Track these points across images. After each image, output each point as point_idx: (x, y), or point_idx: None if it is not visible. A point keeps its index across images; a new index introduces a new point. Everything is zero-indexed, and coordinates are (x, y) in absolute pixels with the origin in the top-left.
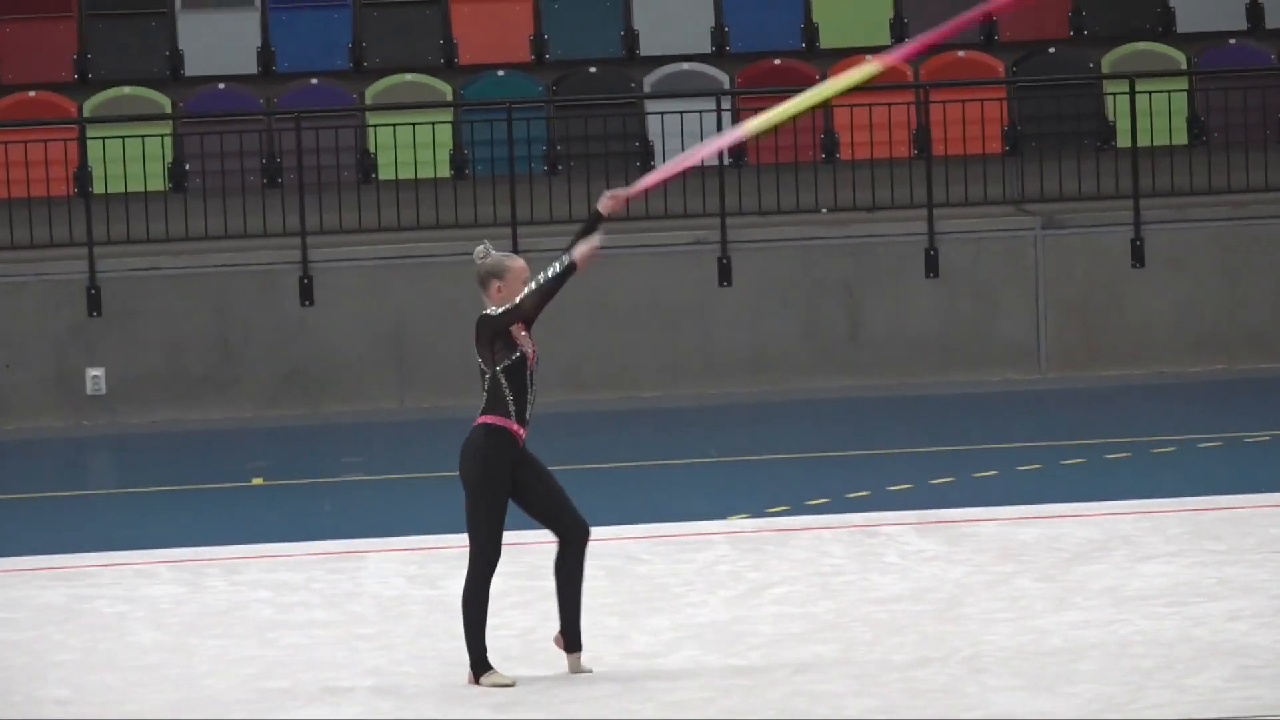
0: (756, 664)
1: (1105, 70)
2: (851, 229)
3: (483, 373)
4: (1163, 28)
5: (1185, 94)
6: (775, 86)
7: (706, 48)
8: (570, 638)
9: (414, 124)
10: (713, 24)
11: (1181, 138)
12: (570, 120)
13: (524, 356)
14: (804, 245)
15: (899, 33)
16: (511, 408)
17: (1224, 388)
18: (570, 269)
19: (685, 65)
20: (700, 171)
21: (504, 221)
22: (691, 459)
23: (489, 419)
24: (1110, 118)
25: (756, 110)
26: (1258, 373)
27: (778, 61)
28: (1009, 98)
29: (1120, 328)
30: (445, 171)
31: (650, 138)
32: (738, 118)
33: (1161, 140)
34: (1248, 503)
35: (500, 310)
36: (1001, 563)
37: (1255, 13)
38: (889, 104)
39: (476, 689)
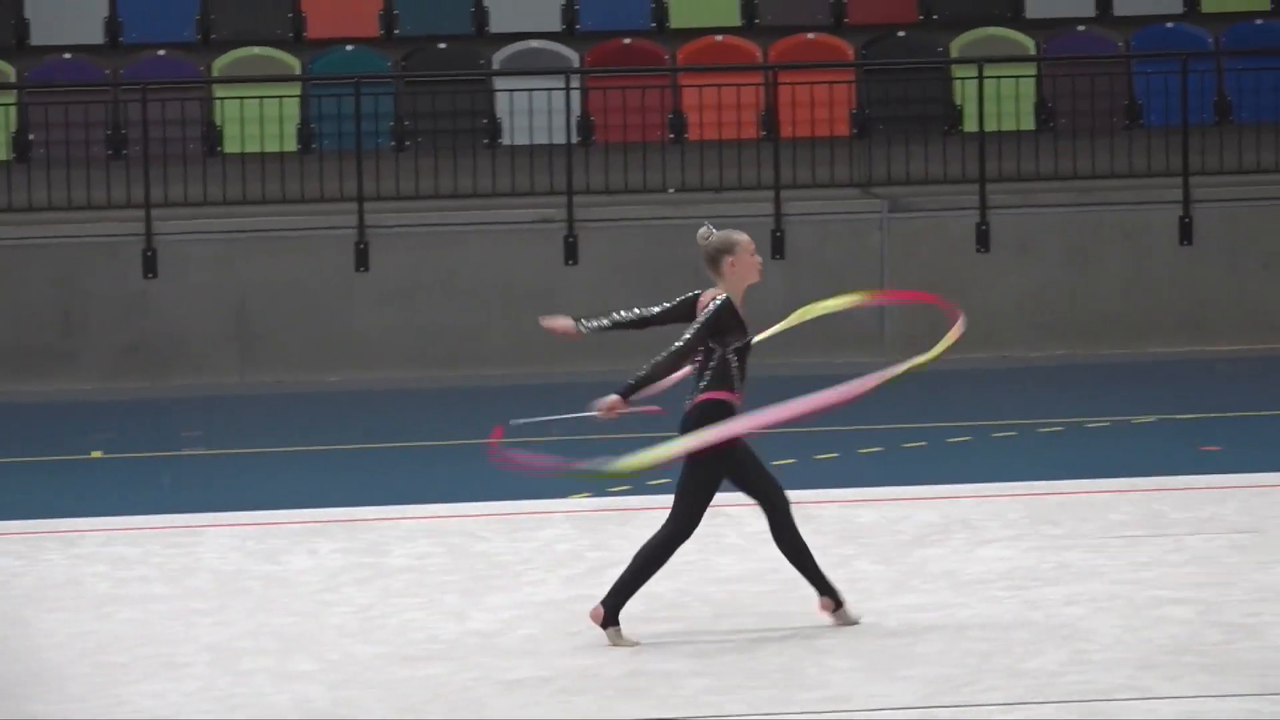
0: (595, 643)
1: (953, 55)
2: (698, 209)
3: (710, 352)
4: (1011, 13)
5: (1033, 80)
6: (624, 66)
7: (556, 25)
8: (828, 595)
9: (261, 98)
10: (563, 2)
11: (1028, 123)
12: (418, 96)
13: (749, 341)
14: (650, 225)
15: (748, 14)
16: (737, 384)
17: (1067, 373)
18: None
19: (534, 43)
20: (547, 149)
21: (350, 197)
22: (534, 437)
23: (718, 394)
24: (958, 102)
25: (605, 90)
26: (1100, 358)
27: (627, 41)
28: (857, 80)
29: (965, 311)
30: (292, 146)
31: (499, 115)
32: (586, 97)
33: (1009, 125)
34: (1087, 488)
35: (728, 304)
36: (841, 545)
37: (1104, 0)
38: (737, 85)
39: (312, 665)
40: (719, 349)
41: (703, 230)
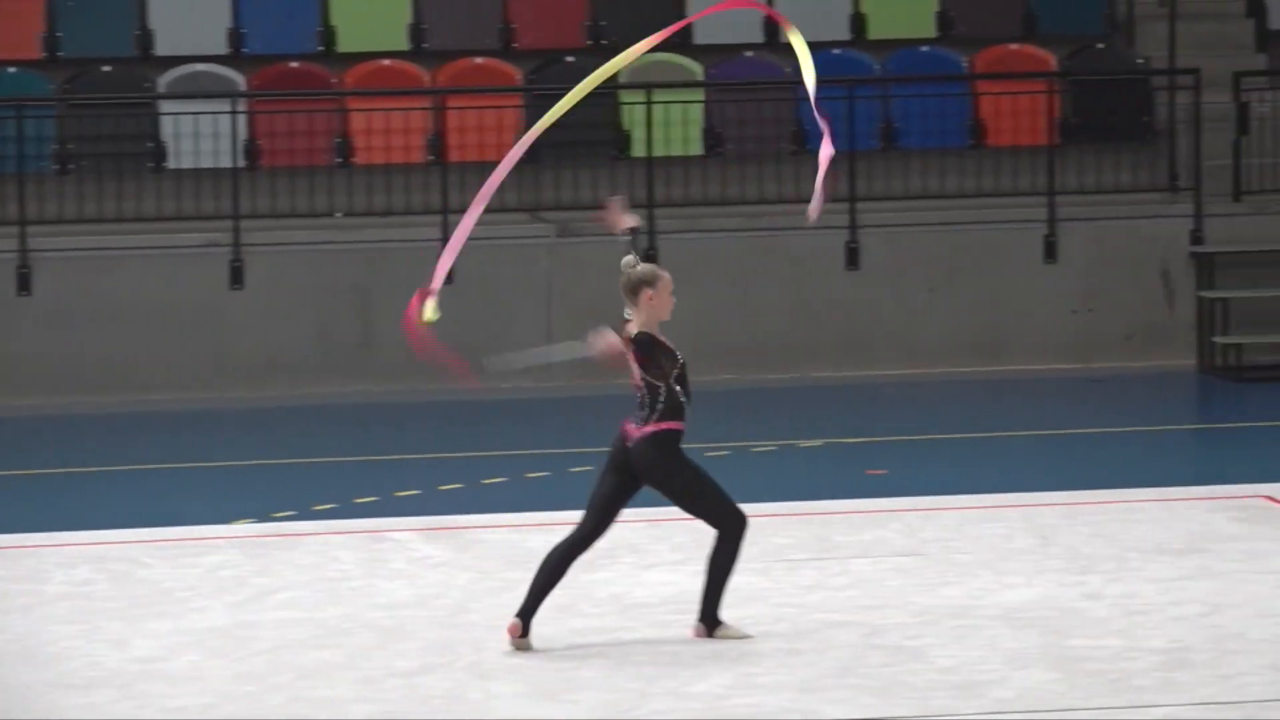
0: (259, 669)
1: (621, 80)
2: (366, 234)
3: (655, 388)
4: (679, 39)
5: (700, 105)
6: (291, 90)
7: (223, 49)
8: (708, 621)
9: None
10: (229, 25)
11: (696, 148)
12: (82, 120)
13: (684, 365)
14: (317, 249)
15: (416, 39)
16: (685, 409)
17: (733, 397)
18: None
19: (200, 66)
20: (213, 173)
21: (12, 220)
22: (199, 462)
23: (667, 425)
24: (626, 127)
25: (272, 114)
26: (766, 383)
27: (294, 64)
28: (525, 105)
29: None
30: None
31: (164, 138)
32: (253, 120)
33: (676, 150)
34: (753, 511)
35: (650, 337)
36: (509, 569)
37: (770, 27)
38: (405, 109)
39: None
40: (662, 384)
41: (629, 259)
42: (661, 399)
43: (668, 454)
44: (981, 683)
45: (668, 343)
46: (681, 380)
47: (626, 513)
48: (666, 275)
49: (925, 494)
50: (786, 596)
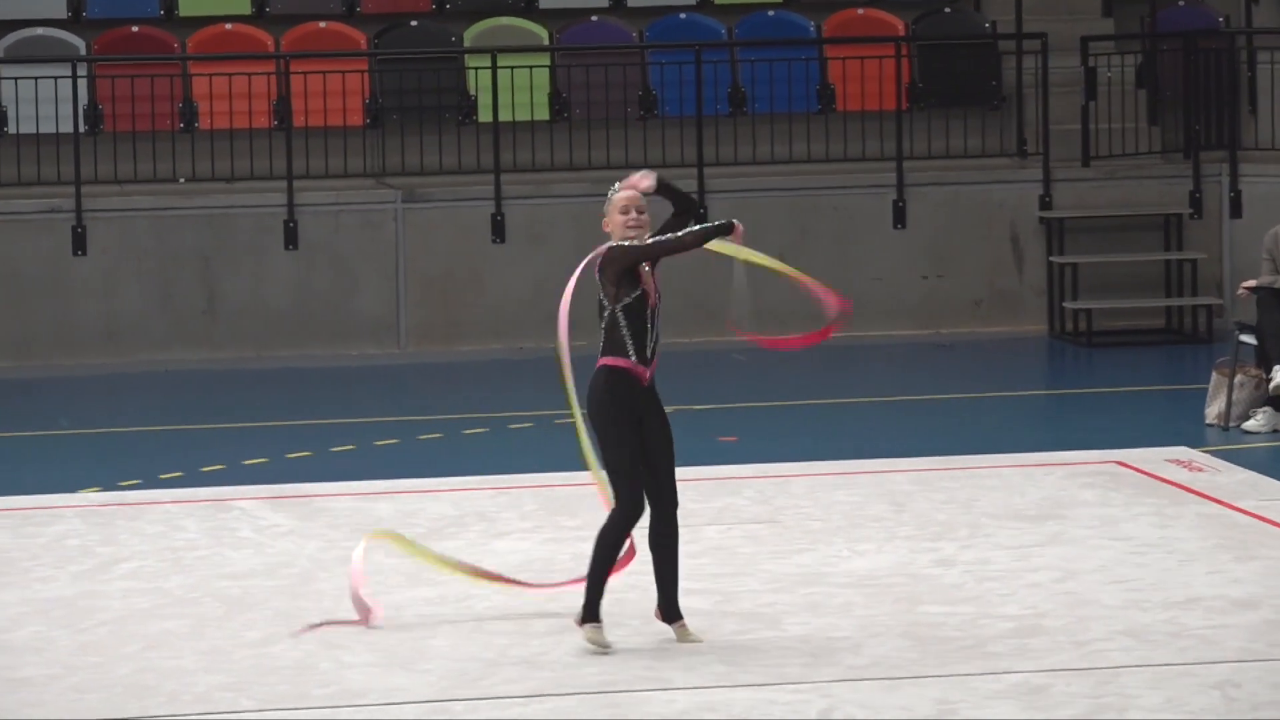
0: (105, 640)
1: (467, 44)
2: (210, 199)
3: (601, 309)
4: (525, 3)
5: (547, 70)
6: (132, 53)
7: (63, 13)
8: (669, 610)
9: None
10: None
11: (543, 113)
12: None
13: (644, 295)
14: (161, 215)
15: (259, 3)
16: (630, 346)
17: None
18: (726, 228)
19: (40, 30)
20: (54, 138)
21: None
22: (42, 430)
23: (609, 360)
24: (472, 92)
25: (114, 79)
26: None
27: (136, 29)
28: (370, 70)
29: (479, 303)
30: None
31: (3, 103)
32: (94, 85)
33: (523, 116)
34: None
35: (631, 244)
36: (355, 538)
37: None
38: (248, 74)
39: None
40: (609, 304)
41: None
42: (603, 324)
43: (603, 392)
44: (835, 650)
45: (645, 274)
46: (636, 317)
47: (476, 480)
48: (620, 196)
49: (777, 461)
50: (637, 564)
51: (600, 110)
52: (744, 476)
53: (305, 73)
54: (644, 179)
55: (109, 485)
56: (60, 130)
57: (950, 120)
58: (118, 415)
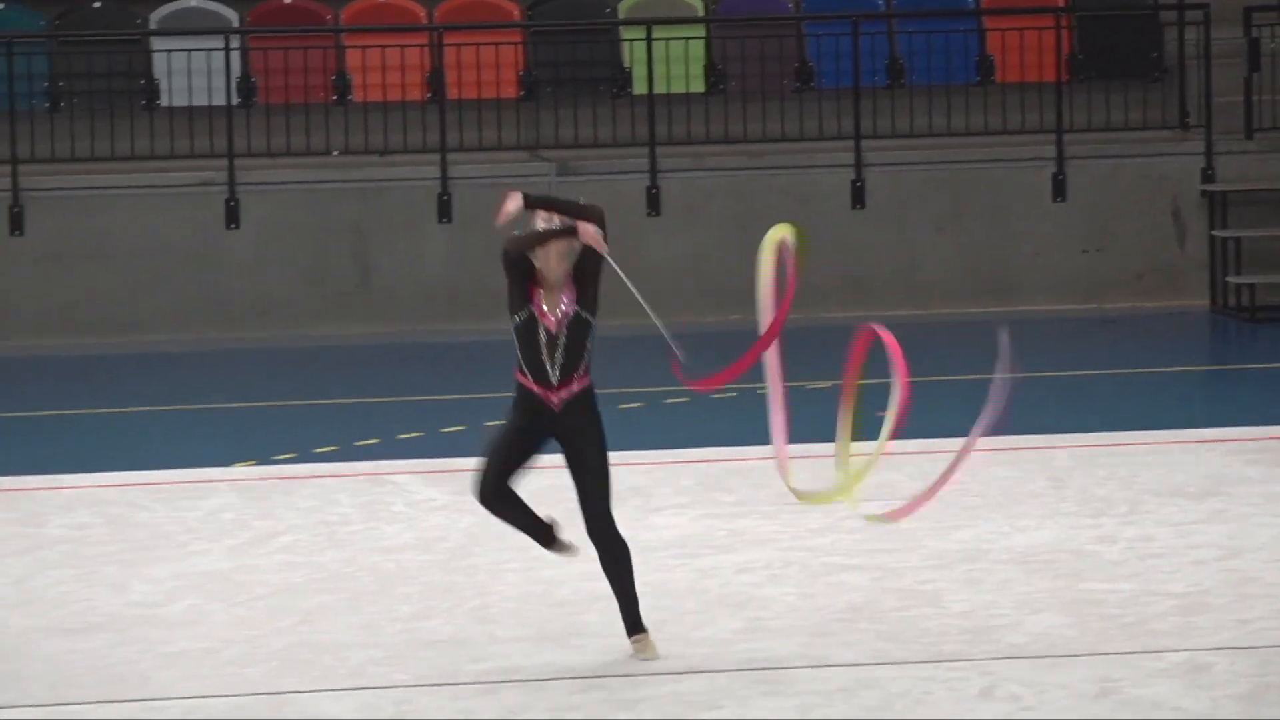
0: (260, 614)
1: (622, 15)
2: (363, 172)
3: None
4: None
5: (703, 41)
6: (285, 25)
7: None
8: (626, 624)
9: None
10: None
11: (698, 85)
12: (73, 56)
13: (533, 318)
14: (313, 188)
15: None
16: (527, 369)
17: (737, 339)
18: (569, 231)
19: (193, 2)
20: (208, 110)
21: (3, 159)
22: (196, 404)
23: (517, 374)
24: (626, 64)
25: (267, 51)
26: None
27: (288, 1)
28: (525, 42)
29: (635, 276)
30: None
31: (156, 76)
32: (248, 57)
33: (678, 88)
34: (759, 455)
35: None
36: None
37: None
38: (402, 46)
39: None
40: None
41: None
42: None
43: (514, 398)
44: (994, 627)
45: (543, 295)
46: (527, 339)
47: (632, 455)
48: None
49: (936, 436)
50: (796, 539)
51: (756, 83)
52: (901, 452)
53: (459, 44)
54: (511, 202)
55: (263, 459)
56: (213, 103)
57: (1111, 92)
58: (271, 390)
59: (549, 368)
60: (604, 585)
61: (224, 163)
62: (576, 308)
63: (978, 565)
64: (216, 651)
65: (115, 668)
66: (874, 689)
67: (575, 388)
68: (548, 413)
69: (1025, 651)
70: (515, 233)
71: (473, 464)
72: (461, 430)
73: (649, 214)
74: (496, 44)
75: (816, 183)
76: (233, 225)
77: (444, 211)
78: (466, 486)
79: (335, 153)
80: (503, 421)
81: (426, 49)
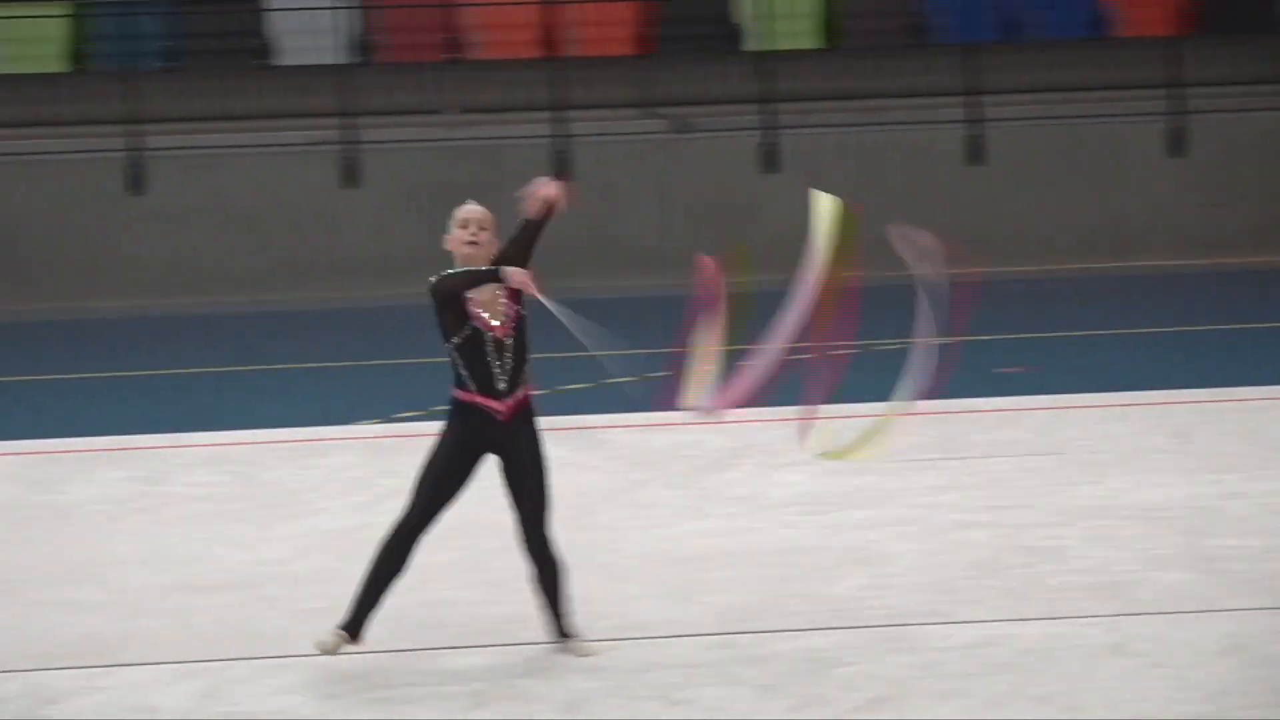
0: None
1: None
2: (479, 130)
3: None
4: None
5: None
6: None
7: None
8: (564, 624)
9: (27, 17)
10: None
11: (814, 41)
12: (189, 17)
13: (478, 330)
14: (430, 146)
15: None
16: (471, 384)
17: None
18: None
19: None
20: (320, 69)
21: (121, 119)
22: (315, 362)
23: (456, 392)
24: (741, 20)
25: (384, 9)
26: (886, 279)
27: None
28: None
29: (750, 234)
30: (61, 66)
31: (273, 35)
32: (365, 16)
33: (794, 44)
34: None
35: (439, 277)
36: (632, 470)
37: None
38: (517, 3)
39: (100, 595)
40: (443, 340)
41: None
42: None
43: (448, 419)
44: (1120, 583)
45: (473, 301)
46: (473, 352)
47: (752, 412)
48: (463, 208)
49: (1057, 393)
50: (919, 496)
51: (871, 38)
52: (1024, 408)
53: (575, 2)
54: (546, 186)
55: (386, 417)
56: (331, 61)
57: (1231, 46)
58: (391, 347)
59: (498, 377)
60: (726, 542)
61: (337, 121)
62: (518, 306)
63: (1102, 521)
64: (345, 608)
65: (246, 624)
66: (1001, 645)
67: (522, 395)
68: (495, 425)
69: (1151, 608)
70: (444, 272)
71: (597, 420)
72: (587, 388)
73: (765, 170)
74: (613, 0)
75: (931, 138)
76: (350, 184)
77: (561, 167)
78: (590, 445)
79: (451, 111)
80: (436, 446)
81: (542, 6)
